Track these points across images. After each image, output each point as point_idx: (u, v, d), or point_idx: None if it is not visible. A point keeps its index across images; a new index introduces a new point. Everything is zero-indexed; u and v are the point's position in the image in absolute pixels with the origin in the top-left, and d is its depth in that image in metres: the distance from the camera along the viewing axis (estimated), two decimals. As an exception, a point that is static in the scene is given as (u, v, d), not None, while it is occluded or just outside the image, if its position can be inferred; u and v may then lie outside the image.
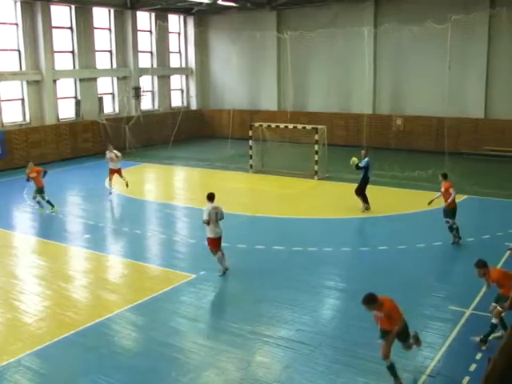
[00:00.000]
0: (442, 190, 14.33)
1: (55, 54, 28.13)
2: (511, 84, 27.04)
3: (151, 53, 34.05)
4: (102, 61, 30.99)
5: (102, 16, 30.73)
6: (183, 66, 36.83)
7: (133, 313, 10.90)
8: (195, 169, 26.39)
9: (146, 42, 33.56)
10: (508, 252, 13.34)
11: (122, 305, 11.23)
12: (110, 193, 20.67)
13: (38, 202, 18.24)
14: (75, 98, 29.64)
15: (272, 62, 33.91)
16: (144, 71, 32.97)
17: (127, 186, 20.60)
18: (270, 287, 11.94)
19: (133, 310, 11.03)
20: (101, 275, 13.14)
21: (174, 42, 35.94)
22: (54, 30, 27.94)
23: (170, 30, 35.13)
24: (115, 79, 31.81)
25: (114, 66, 31.64)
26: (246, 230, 16.67)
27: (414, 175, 22.51)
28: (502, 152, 26.83)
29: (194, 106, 37.30)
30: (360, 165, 17.72)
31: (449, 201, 14.12)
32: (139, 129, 31.42)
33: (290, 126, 25.70)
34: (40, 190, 17.89)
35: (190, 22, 36.13)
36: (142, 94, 32.67)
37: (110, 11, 31.10)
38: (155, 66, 34.12)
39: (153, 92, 34.66)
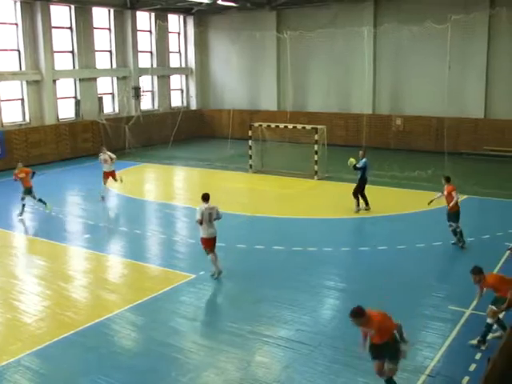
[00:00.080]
0: (445, 193, 14.16)
1: (55, 53, 28.12)
2: (511, 84, 27.04)
3: (151, 53, 34.05)
4: (102, 61, 30.98)
5: (101, 16, 30.73)
6: (183, 65, 36.83)
7: (132, 313, 10.90)
8: (195, 169, 26.39)
9: (145, 41, 33.55)
10: (508, 252, 13.35)
11: (122, 305, 11.23)
12: (103, 197, 20.01)
13: (40, 200, 18.11)
14: (75, 97, 29.64)
15: (272, 62, 33.91)
16: (144, 71, 32.97)
17: (121, 181, 20.14)
18: (269, 287, 11.94)
19: (132, 309, 11.02)
20: (100, 275, 13.14)
21: (173, 42, 35.94)
22: (53, 29, 27.94)
23: (169, 30, 35.13)
24: (115, 79, 31.81)
25: (114, 65, 31.64)
26: (246, 229, 16.67)
27: (413, 175, 22.51)
28: (502, 152, 26.83)
29: (193, 105, 37.30)
30: (357, 165, 17.71)
31: (451, 204, 13.94)
32: (139, 129, 31.41)
33: (290, 126, 25.70)
34: (28, 191, 17.81)
35: (190, 21, 36.13)
36: (141, 93, 32.67)
37: (109, 11, 31.10)
38: (155, 65, 34.12)
39: (152, 92, 34.66)
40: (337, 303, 11.63)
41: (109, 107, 31.73)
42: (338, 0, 30.26)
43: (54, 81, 28.17)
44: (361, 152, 18.02)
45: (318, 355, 9.13)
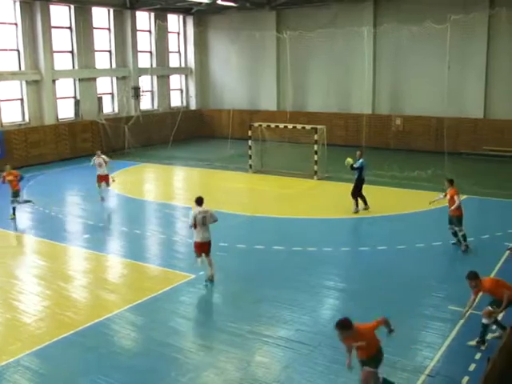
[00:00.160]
0: (448, 196, 14.06)
1: (54, 53, 28.12)
2: (511, 84, 27.05)
3: (150, 53, 34.05)
4: (102, 61, 30.98)
5: (101, 16, 30.72)
6: (182, 65, 36.83)
7: (132, 313, 10.90)
8: (195, 169, 26.38)
9: (145, 41, 33.56)
10: (507, 252, 13.34)
11: (122, 305, 11.22)
12: (102, 197, 19.96)
13: (26, 201, 18.71)
14: (74, 97, 29.63)
15: (271, 62, 33.92)
16: (143, 71, 32.97)
17: (113, 180, 20.27)
18: (269, 287, 11.93)
19: (132, 309, 11.02)
20: (100, 275, 13.13)
21: (173, 42, 35.94)
22: (53, 29, 27.95)
23: (169, 30, 35.14)
24: (114, 79, 31.81)
25: (114, 65, 31.63)
26: (246, 229, 16.66)
27: (413, 175, 22.51)
28: (502, 152, 26.84)
29: (193, 105, 37.30)
30: (354, 165, 17.73)
31: (452, 207, 13.82)
32: (138, 129, 31.41)
33: (290, 126, 25.69)
34: (15, 194, 17.95)
35: (190, 21, 36.13)
36: (141, 93, 32.67)
37: (109, 11, 31.09)
38: (154, 65, 34.12)
39: (152, 92, 34.66)
40: (336, 303, 11.63)
41: (108, 107, 31.73)
42: (337, 0, 30.26)
43: (54, 81, 28.17)
44: (358, 152, 18.06)
45: (317, 355, 9.13)
